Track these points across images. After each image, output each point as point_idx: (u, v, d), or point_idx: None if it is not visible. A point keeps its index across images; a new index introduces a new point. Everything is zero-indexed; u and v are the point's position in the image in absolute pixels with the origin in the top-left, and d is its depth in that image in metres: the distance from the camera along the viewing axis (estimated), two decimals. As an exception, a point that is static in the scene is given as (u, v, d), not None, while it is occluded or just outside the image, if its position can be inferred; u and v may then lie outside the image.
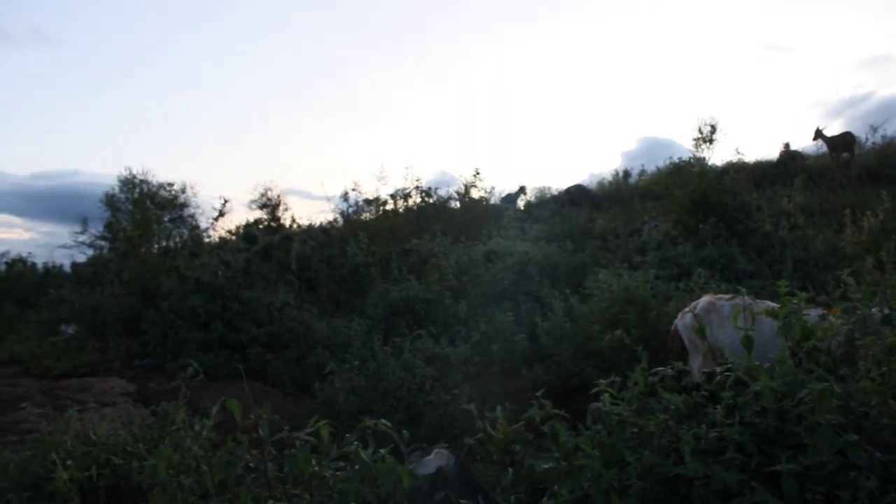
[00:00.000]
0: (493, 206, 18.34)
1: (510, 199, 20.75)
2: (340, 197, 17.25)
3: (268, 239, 10.10)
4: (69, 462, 3.68)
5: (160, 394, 6.77)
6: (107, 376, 7.52)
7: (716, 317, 4.82)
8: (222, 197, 20.25)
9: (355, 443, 3.33)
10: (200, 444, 3.79)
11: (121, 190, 20.03)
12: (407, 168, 23.83)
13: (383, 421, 3.40)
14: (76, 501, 3.54)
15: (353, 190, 16.78)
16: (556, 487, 3.20)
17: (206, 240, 15.30)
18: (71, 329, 9.41)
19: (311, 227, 17.34)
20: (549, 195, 21.87)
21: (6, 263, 16.90)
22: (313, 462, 3.33)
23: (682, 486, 2.70)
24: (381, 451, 3.22)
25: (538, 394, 4.23)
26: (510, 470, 3.81)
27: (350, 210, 17.39)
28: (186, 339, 8.22)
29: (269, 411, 3.29)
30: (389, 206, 16.64)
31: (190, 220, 19.31)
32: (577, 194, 20.76)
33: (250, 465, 3.50)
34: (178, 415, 4.82)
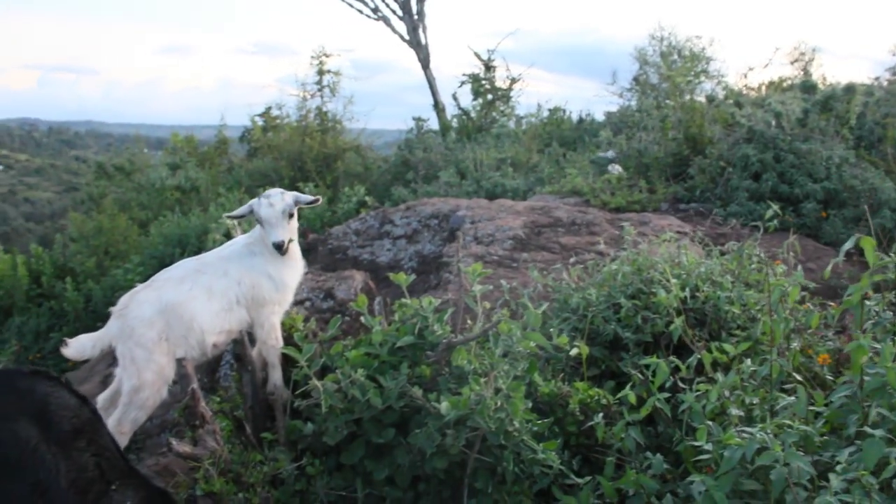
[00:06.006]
0: None
1: None
2: (892, 52, 15.05)
3: (829, 89, 9.21)
4: (674, 280, 3.78)
5: (713, 237, 6.70)
6: (656, 215, 7.74)
7: None
8: (777, 47, 19.14)
9: None
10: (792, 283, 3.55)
11: (649, 43, 20.25)
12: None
13: None
14: (673, 316, 3.62)
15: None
16: None
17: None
18: (616, 169, 9.88)
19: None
20: None
21: (548, 110, 18.57)
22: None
23: None
24: None
25: None
26: None
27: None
28: (737, 187, 8.04)
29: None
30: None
31: (716, 73, 18.83)
32: None
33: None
34: (753, 253, 4.68)
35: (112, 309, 3.47)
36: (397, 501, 3.10)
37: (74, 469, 2.15)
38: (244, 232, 4.12)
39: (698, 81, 17.66)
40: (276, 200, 3.51)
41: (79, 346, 3.32)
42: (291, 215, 3.56)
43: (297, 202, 3.59)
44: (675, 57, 19.21)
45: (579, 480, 2.91)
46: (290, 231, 3.55)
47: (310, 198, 3.66)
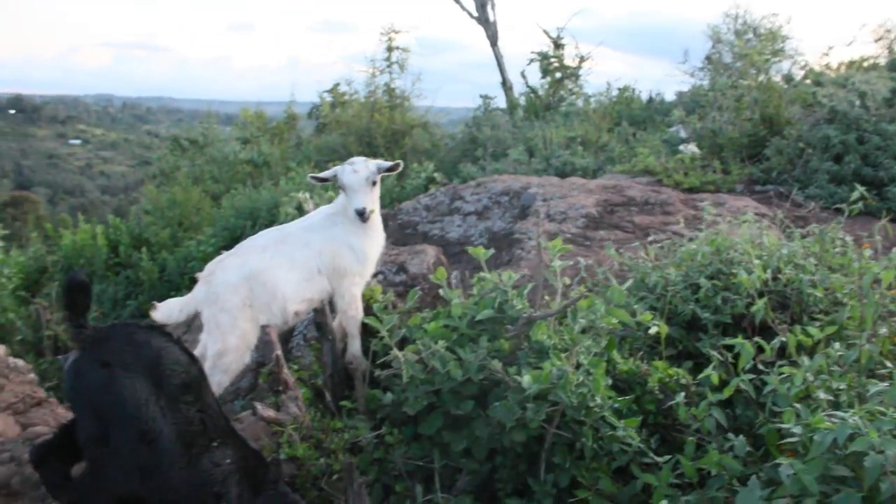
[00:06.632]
0: None
1: None
2: None
3: (918, 67, 8.84)
4: (756, 261, 3.71)
5: (792, 220, 6.53)
6: (731, 196, 7.57)
7: None
8: (863, 24, 18.60)
9: None
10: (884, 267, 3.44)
11: (723, 21, 19.73)
12: None
13: None
14: (755, 298, 3.55)
15: None
16: None
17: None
18: (689, 149, 9.69)
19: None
20: None
21: (617, 89, 18.29)
22: None
23: None
24: None
25: None
26: None
27: None
28: (817, 169, 7.81)
29: None
30: None
31: (793, 52, 18.25)
32: None
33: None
34: (836, 237, 4.55)
35: (199, 275, 3.57)
36: (474, 473, 3.13)
37: (182, 422, 2.23)
38: (317, 205, 4.18)
39: (775, 60, 17.16)
40: (361, 167, 3.56)
41: (167, 310, 3.43)
42: (374, 183, 3.60)
43: (379, 170, 3.62)
44: (751, 35, 18.70)
45: (659, 459, 2.89)
46: (372, 199, 3.59)
47: (389, 164, 3.70)
